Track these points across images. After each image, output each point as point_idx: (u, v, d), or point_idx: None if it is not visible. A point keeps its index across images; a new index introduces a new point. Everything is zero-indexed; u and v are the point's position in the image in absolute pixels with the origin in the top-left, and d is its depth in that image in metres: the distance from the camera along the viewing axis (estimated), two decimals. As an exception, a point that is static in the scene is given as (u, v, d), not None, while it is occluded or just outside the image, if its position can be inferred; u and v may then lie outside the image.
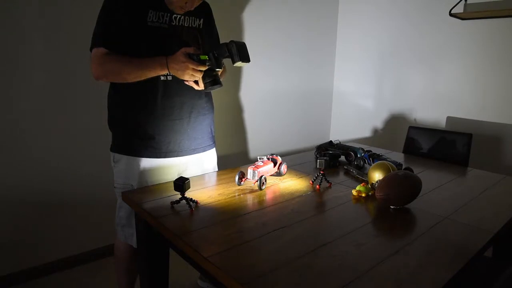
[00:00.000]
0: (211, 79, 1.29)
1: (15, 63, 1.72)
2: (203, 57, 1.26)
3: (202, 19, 1.46)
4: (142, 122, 1.37)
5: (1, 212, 1.79)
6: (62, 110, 1.88)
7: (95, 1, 1.88)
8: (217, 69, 1.30)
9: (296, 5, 2.81)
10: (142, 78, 1.29)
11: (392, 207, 1.20)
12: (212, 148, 1.60)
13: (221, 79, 1.33)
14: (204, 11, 1.48)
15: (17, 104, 1.76)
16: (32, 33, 1.74)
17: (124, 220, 1.44)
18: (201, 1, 1.36)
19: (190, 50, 1.25)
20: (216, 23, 1.58)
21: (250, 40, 2.55)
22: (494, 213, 1.19)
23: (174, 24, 1.36)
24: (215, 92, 1.48)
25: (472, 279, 1.21)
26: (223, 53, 1.27)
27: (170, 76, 1.36)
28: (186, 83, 1.34)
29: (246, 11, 2.51)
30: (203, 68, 1.26)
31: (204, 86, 1.31)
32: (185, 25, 1.40)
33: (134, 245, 1.42)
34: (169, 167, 1.44)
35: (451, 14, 2.27)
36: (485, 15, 2.18)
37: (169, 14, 1.34)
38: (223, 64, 1.35)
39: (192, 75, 1.25)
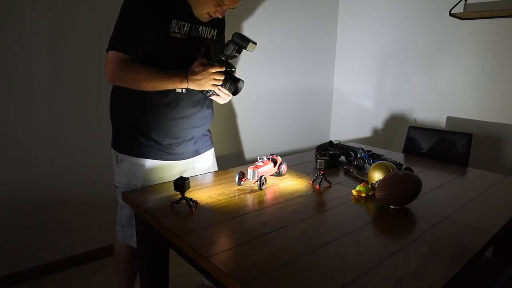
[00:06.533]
0: (232, 80, 1.31)
1: (13, 62, 1.72)
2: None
3: (216, 30, 1.44)
4: (150, 126, 1.36)
5: (1, 212, 1.79)
6: (62, 110, 1.88)
7: (93, 2, 1.89)
8: (232, 69, 1.33)
9: (296, 5, 2.81)
10: (158, 89, 1.30)
11: (392, 207, 1.20)
12: (211, 148, 1.62)
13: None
14: (221, 22, 1.47)
15: (16, 104, 1.75)
16: (31, 32, 1.74)
17: (125, 220, 1.43)
18: (230, 9, 1.31)
19: (203, 61, 1.28)
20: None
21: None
22: (494, 213, 1.19)
23: (192, 35, 1.34)
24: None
25: (472, 279, 1.21)
26: (231, 51, 1.28)
27: (184, 90, 1.36)
28: (213, 97, 1.37)
29: (245, 11, 2.51)
30: (223, 68, 1.28)
31: (229, 89, 1.32)
32: (202, 35, 1.38)
33: (134, 245, 1.42)
34: (171, 167, 1.46)
35: (451, 14, 2.27)
36: (485, 15, 2.18)
37: (189, 24, 1.32)
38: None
39: (215, 79, 1.28)
